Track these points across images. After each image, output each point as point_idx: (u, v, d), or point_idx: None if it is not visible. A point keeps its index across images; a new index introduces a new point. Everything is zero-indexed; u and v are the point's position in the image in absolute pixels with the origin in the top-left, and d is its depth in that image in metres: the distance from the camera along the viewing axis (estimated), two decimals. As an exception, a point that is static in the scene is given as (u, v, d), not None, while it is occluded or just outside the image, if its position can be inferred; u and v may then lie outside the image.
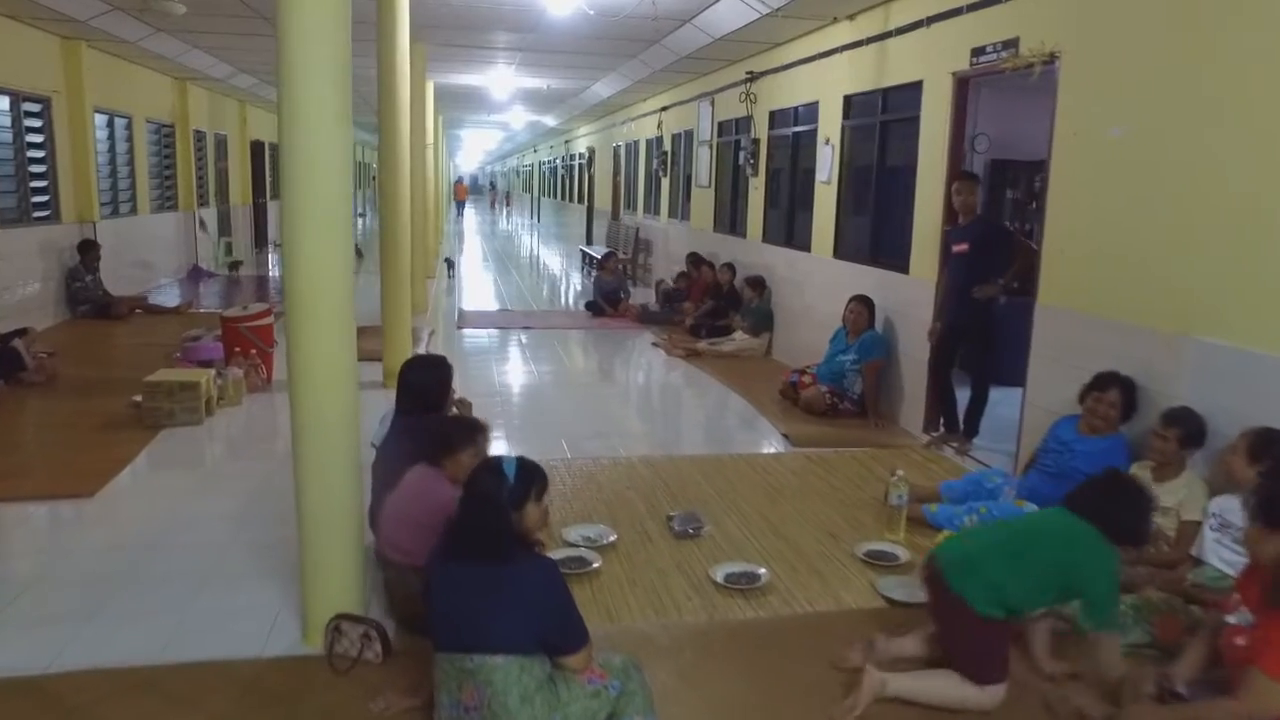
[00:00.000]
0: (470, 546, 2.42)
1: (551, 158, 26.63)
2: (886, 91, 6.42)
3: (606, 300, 10.95)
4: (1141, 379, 4.03)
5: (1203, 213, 3.72)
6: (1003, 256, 5.41)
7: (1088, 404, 4.11)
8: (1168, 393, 3.88)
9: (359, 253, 13.99)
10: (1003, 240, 5.43)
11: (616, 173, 16.78)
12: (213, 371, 6.10)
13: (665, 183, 13.02)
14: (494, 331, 9.63)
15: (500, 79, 13.06)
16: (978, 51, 5.20)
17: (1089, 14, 4.37)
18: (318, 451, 2.99)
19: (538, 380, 7.73)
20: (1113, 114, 4.19)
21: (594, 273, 14.66)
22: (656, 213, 13.69)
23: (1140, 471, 3.76)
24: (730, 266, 9.55)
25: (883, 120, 6.51)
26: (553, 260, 18.70)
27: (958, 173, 5.50)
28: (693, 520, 4.25)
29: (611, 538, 4.06)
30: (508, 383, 7.58)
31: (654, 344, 9.12)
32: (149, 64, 11.47)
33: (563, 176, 24.40)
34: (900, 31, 6.07)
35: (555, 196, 26.45)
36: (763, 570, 3.73)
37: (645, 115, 13.87)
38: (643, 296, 11.67)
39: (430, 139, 12.18)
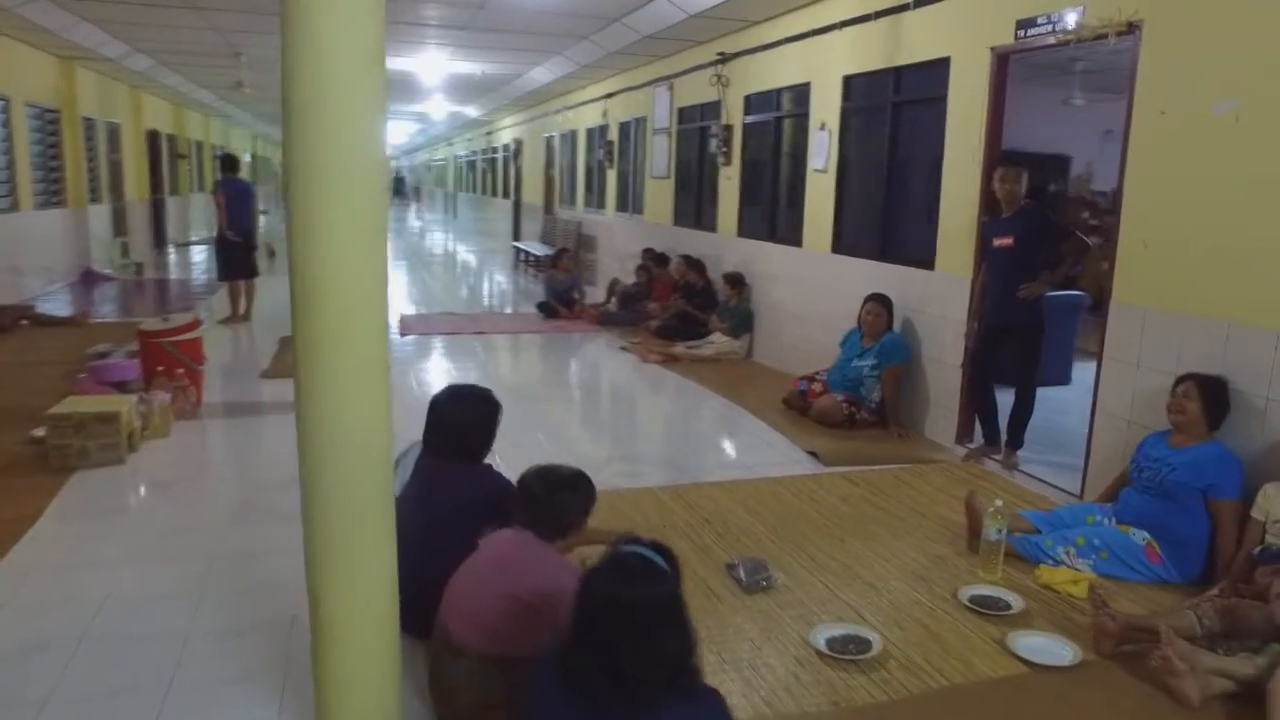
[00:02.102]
0: (615, 686, 1.70)
1: (470, 151, 25.48)
2: (900, 70, 5.87)
3: (560, 301, 10.17)
4: (1242, 383, 3.59)
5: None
6: (1049, 251, 4.93)
7: (1167, 403, 3.67)
8: (1278, 398, 3.46)
9: (271, 251, 12.80)
10: (1053, 233, 4.93)
11: (550, 165, 15.93)
12: (134, 398, 5.10)
13: (611, 174, 12.29)
14: (441, 338, 8.74)
15: (430, 63, 12.08)
16: (1025, 24, 4.68)
17: (1178, -23, 3.88)
18: (343, 526, 2.18)
19: (508, 394, 6.83)
20: (1213, 88, 3.71)
21: (537, 271, 13.87)
22: (601, 206, 12.95)
23: (1278, 494, 3.29)
24: (694, 262, 8.90)
25: (896, 102, 5.96)
26: (483, 259, 17.70)
27: (998, 159, 4.98)
28: (759, 568, 3.58)
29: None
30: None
31: (623, 349, 8.41)
32: (29, 38, 10.07)
33: (484, 170, 23.32)
34: (920, 4, 5.52)
35: (474, 191, 25.32)
36: (873, 635, 3.09)
37: (587, 103, 13.09)
38: (592, 295, 10.93)
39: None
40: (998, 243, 4.89)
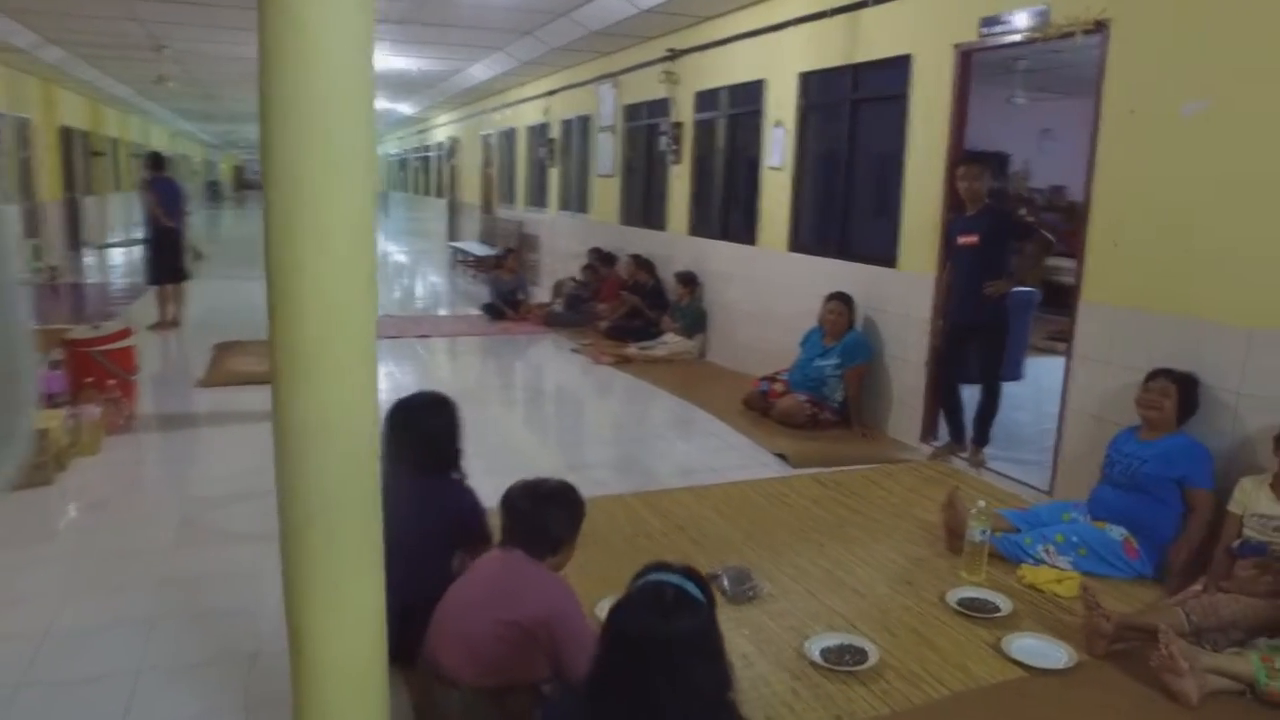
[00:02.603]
0: None
1: (402, 149, 24.92)
2: (858, 68, 5.83)
3: (505, 302, 9.94)
4: (1213, 379, 3.63)
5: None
6: (1011, 248, 4.95)
7: (1139, 398, 3.71)
8: (1250, 394, 3.50)
9: (198, 254, 12.24)
10: (1017, 231, 4.94)
11: (488, 163, 15.63)
12: (63, 413, 4.74)
13: (554, 173, 12.09)
14: (384, 342, 8.43)
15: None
16: (990, 21, 4.68)
17: (1144, -24, 3.90)
18: (329, 554, 1.98)
19: (461, 399, 6.68)
20: (1182, 88, 3.74)
21: (477, 272, 13.57)
22: (543, 205, 12.74)
23: (1256, 488, 3.32)
24: (643, 261, 8.78)
25: (855, 99, 5.92)
26: (419, 259, 17.28)
27: (961, 157, 4.98)
28: (744, 578, 3.47)
29: (655, 609, 3.21)
30: (426, 403, 6.50)
31: (574, 350, 8.24)
32: (-71, 28, 9.43)
33: (416, 169, 22.82)
34: (880, 1, 5.49)
35: (407, 190, 24.77)
36: (868, 645, 3.00)
37: (528, 100, 12.86)
38: (537, 296, 10.72)
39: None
40: (962, 241, 4.88)
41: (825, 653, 2.96)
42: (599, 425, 6.27)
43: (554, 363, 8.07)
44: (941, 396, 5.15)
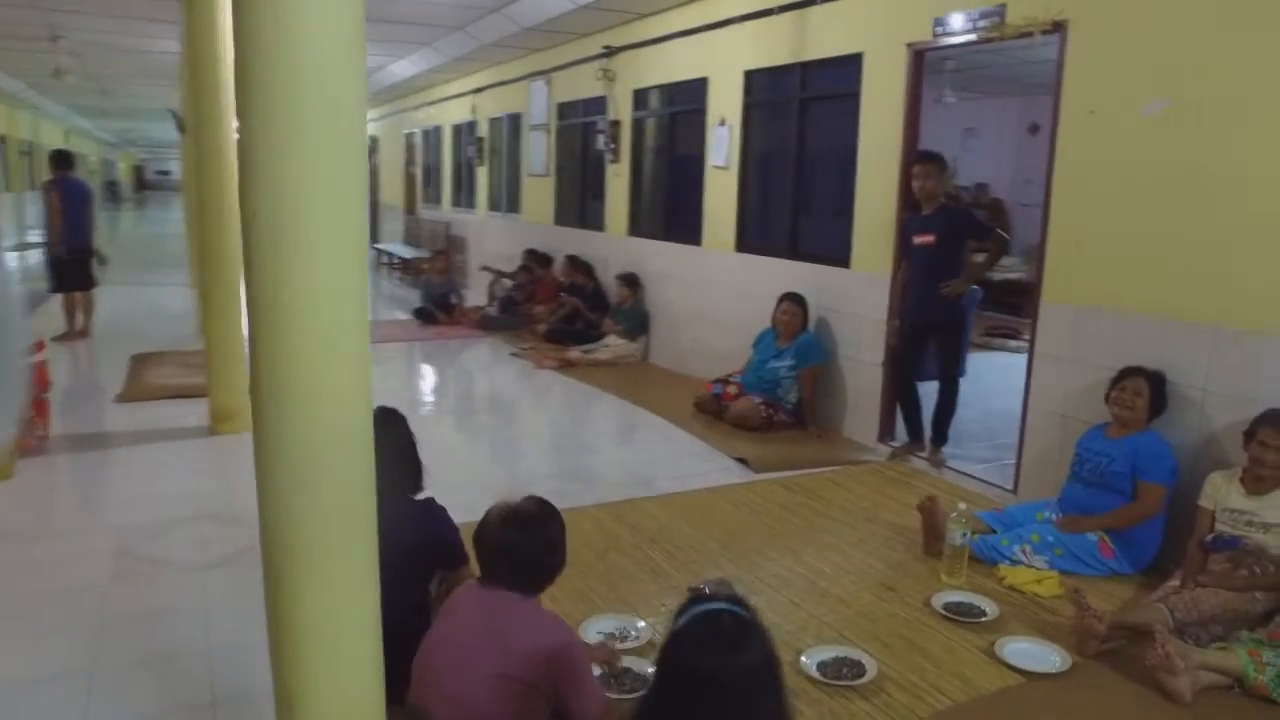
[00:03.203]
0: None
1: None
2: (807, 66, 5.80)
3: (437, 305, 9.64)
4: (1179, 376, 3.69)
5: (1267, 194, 3.38)
6: (965, 247, 4.97)
7: (1112, 397, 3.73)
8: (1217, 390, 3.57)
9: (102, 259, 11.54)
10: (974, 231, 4.97)
11: (411, 163, 15.20)
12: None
13: (482, 172, 11.80)
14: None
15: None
16: (944, 21, 4.68)
17: (1102, -24, 3.94)
18: (324, 603, 1.77)
19: (405, 411, 6.41)
20: (1142, 87, 3.78)
21: (403, 274, 13.16)
22: (471, 206, 12.42)
23: (1226, 483, 3.37)
24: (581, 263, 8.60)
25: (804, 98, 5.88)
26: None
27: (916, 156, 4.98)
28: (724, 590, 3.36)
29: (640, 628, 3.08)
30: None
31: (514, 354, 8.02)
32: None
33: (334, 168, 22.08)
34: (827, -1, 5.46)
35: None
36: (864, 656, 2.92)
37: (454, 98, 12.52)
38: (468, 298, 10.44)
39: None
40: (919, 240, 4.88)
41: (822, 666, 2.87)
42: (550, 433, 6.08)
43: (495, 367, 7.83)
44: (900, 396, 5.15)
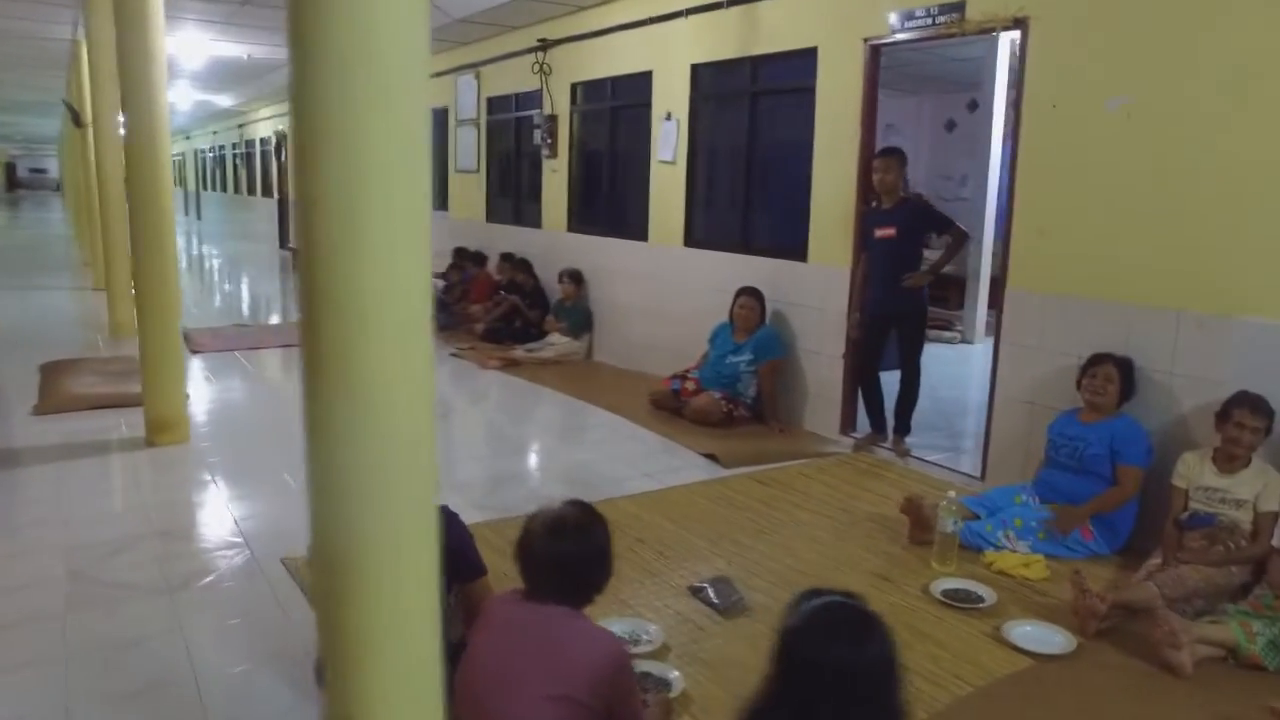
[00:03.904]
0: None
1: (216, 144, 22.98)
2: (757, 60, 5.80)
3: (367, 306, 9.27)
4: (1145, 361, 3.83)
5: (1224, 183, 3.54)
6: (924, 240, 5.06)
7: (1084, 384, 3.85)
8: (1182, 373, 3.73)
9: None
10: (934, 224, 5.06)
11: (325, 159, 14.62)
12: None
13: (406, 169, 11.44)
14: (239, 354, 7.66)
15: (188, 44, 10.64)
16: (904, 16, 4.74)
17: (1062, -26, 4.05)
18: (389, 638, 1.62)
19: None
20: (1104, 82, 3.90)
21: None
22: (393, 204, 12.04)
23: (1199, 462, 3.51)
24: (520, 261, 8.43)
25: (755, 92, 5.89)
26: (251, 265, 15.88)
27: (873, 150, 5.04)
28: (729, 588, 3.32)
29: (651, 631, 3.00)
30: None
31: (454, 355, 7.80)
32: None
33: (237, 166, 21.10)
34: (780, -7, 5.47)
35: (225, 190, 22.88)
36: (881, 647, 2.92)
37: (372, 92, 12.10)
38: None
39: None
40: (880, 233, 4.94)
41: (839, 660, 2.85)
42: (509, 435, 5.91)
43: (436, 369, 7.56)
44: (863, 388, 5.20)
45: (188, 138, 26.42)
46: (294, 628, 2.98)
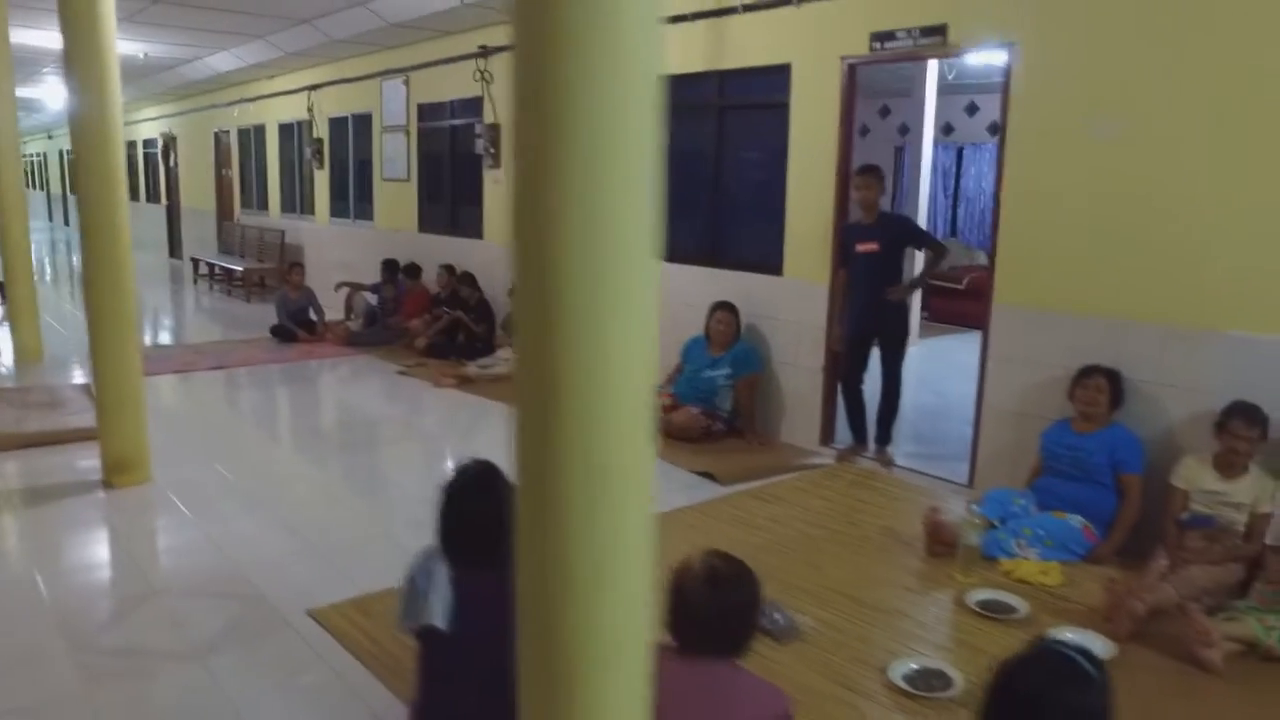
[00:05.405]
0: None
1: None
2: (724, 74, 5.84)
3: (295, 322, 8.88)
4: (1133, 373, 4.06)
5: (1205, 203, 3.80)
6: (904, 254, 5.22)
7: (1076, 395, 4.06)
8: (1170, 384, 3.98)
9: None
10: (915, 238, 5.21)
11: (226, 165, 13.89)
12: None
13: (322, 176, 10.99)
14: (164, 379, 7.16)
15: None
16: (883, 36, 4.86)
17: (1047, 2, 4.22)
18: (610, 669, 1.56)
19: (305, 447, 5.88)
20: (1089, 106, 4.11)
21: (229, 288, 12.00)
22: (307, 212, 11.55)
23: (1200, 468, 3.75)
24: (464, 275, 8.22)
25: (723, 106, 5.93)
26: (144, 276, 14.82)
27: (849, 167, 5.16)
28: (779, 613, 3.33)
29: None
30: (279, 461, 5.62)
31: (401, 373, 7.54)
32: None
33: (112, 168, 19.74)
34: (751, 9, 5.52)
35: (96, 193, 21.34)
36: (940, 664, 3.00)
37: (280, 94, 11.56)
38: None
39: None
40: (861, 248, 5.06)
41: (910, 680, 2.91)
42: (496, 457, 5.67)
43: (389, 389, 7.27)
44: (846, 400, 5.32)
45: (50, 136, 24.55)
46: (353, 691, 2.81)
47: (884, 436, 5.26)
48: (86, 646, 3.06)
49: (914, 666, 2.98)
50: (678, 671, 1.99)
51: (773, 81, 5.48)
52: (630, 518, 1.52)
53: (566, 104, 1.34)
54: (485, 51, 7.77)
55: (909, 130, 10.67)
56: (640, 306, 1.46)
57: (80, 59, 4.36)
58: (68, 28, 4.34)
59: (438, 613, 2.23)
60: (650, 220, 1.46)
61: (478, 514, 2.39)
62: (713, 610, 1.99)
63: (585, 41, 1.34)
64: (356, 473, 5.27)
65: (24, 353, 7.43)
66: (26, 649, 3.03)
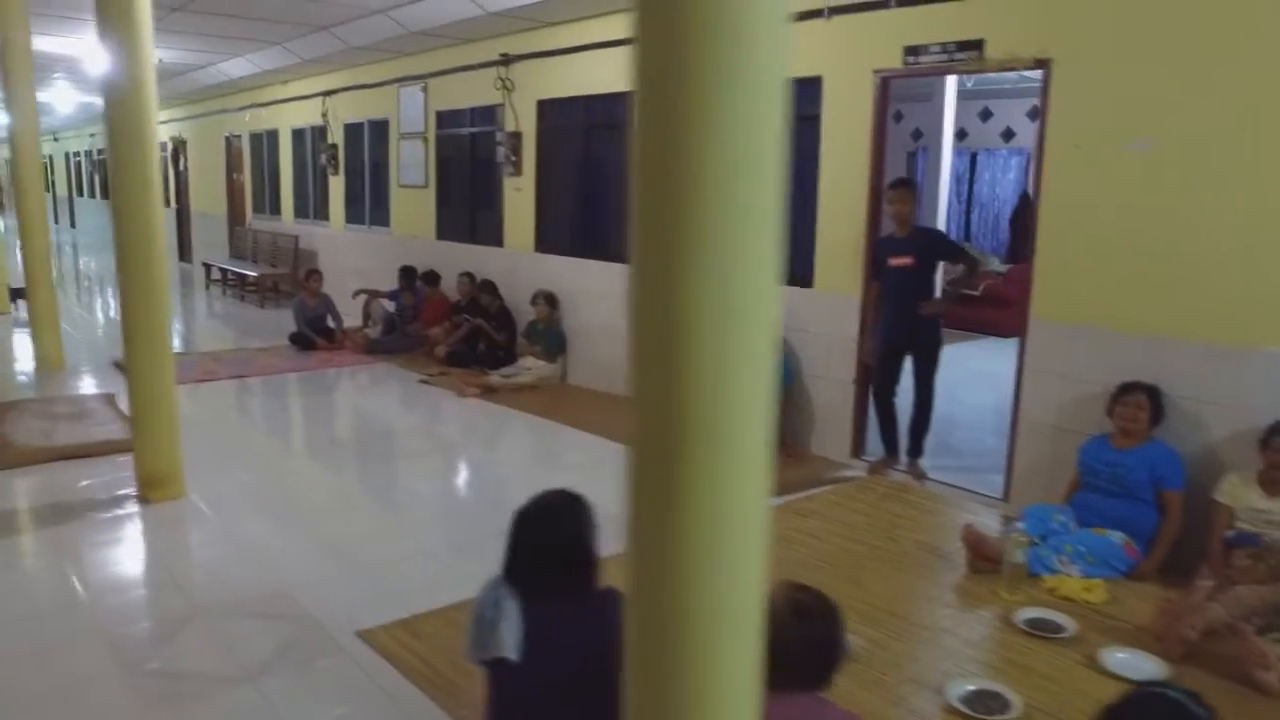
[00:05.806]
0: None
1: (95, 147, 21.41)
2: (754, 87, 5.82)
3: (314, 329, 8.87)
4: (1173, 389, 4.05)
5: (1243, 219, 3.79)
6: (937, 267, 5.21)
7: (1116, 411, 4.05)
8: (1210, 401, 3.97)
9: None
10: (949, 252, 5.21)
11: (237, 169, 13.88)
12: None
13: (336, 181, 10.98)
14: (198, 387, 7.14)
15: (98, 47, 9.85)
16: (917, 50, 4.85)
17: (1081, 19, 4.22)
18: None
19: (333, 460, 5.87)
20: (1125, 124, 4.11)
21: (243, 293, 12.00)
22: (322, 218, 11.54)
23: (1244, 486, 3.74)
24: (485, 282, 8.21)
25: (752, 119, 5.90)
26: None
27: (882, 180, 5.15)
28: (830, 634, 3.33)
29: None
30: (310, 473, 5.61)
31: (422, 381, 7.53)
32: None
33: (120, 172, 19.70)
34: (782, 22, 5.50)
35: (106, 196, 21.32)
36: (996, 686, 2.99)
37: (294, 100, 11.55)
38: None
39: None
40: (895, 262, 5.05)
41: (967, 701, 2.90)
42: (527, 472, 5.51)
43: (412, 398, 7.25)
44: (879, 413, 5.31)
45: (56, 139, 24.54)
46: (410, 715, 2.80)
47: (916, 449, 5.25)
48: (138, 669, 3.05)
49: (970, 688, 2.97)
50: (769, 713, 1.98)
51: (804, 93, 5.47)
52: (749, 564, 1.51)
53: (696, 109, 1.27)
54: (507, 59, 7.76)
55: (922, 135, 10.67)
56: (765, 336, 1.43)
57: (118, 63, 4.35)
58: (106, 34, 4.35)
59: (508, 644, 2.22)
60: (777, 239, 1.41)
61: (553, 545, 2.38)
62: (800, 644, 1.97)
63: (715, 40, 1.27)
64: (389, 486, 5.27)
65: (45, 361, 7.42)
66: (80, 673, 3.03)
